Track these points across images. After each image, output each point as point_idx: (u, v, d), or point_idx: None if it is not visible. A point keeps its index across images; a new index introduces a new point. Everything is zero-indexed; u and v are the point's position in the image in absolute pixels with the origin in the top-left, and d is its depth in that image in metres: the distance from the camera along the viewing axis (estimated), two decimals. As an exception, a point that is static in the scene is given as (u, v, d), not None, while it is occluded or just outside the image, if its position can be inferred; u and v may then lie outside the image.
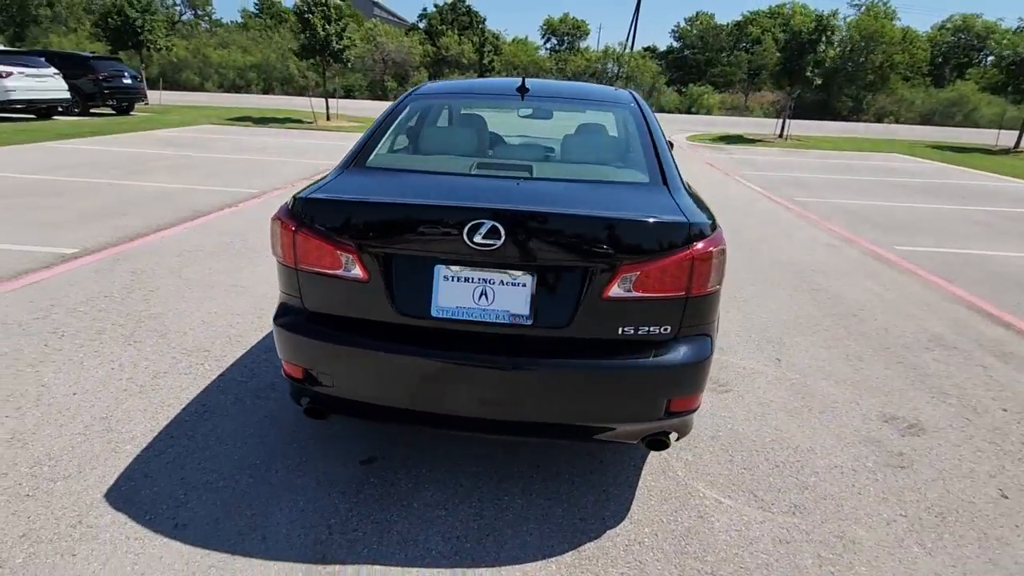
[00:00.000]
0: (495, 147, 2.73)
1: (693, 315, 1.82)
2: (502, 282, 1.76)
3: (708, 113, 41.42)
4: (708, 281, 1.78)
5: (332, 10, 15.99)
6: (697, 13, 56.89)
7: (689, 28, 56.52)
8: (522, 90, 2.65)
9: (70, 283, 3.87)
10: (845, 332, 3.71)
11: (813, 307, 4.13)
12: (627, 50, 52.21)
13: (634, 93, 3.00)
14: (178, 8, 49.28)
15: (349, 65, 17.97)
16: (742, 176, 10.82)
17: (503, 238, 1.69)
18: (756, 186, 9.67)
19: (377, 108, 31.68)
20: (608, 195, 2.02)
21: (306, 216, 1.83)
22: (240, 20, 52.40)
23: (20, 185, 6.83)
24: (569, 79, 47.45)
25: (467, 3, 52.29)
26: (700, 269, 1.76)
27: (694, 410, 1.92)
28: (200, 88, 38.24)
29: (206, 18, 54.12)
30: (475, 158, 2.36)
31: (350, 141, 10.33)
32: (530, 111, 2.94)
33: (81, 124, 13.96)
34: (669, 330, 1.80)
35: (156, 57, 24.27)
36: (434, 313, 1.78)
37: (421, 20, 56.03)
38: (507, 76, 44.68)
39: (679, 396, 1.85)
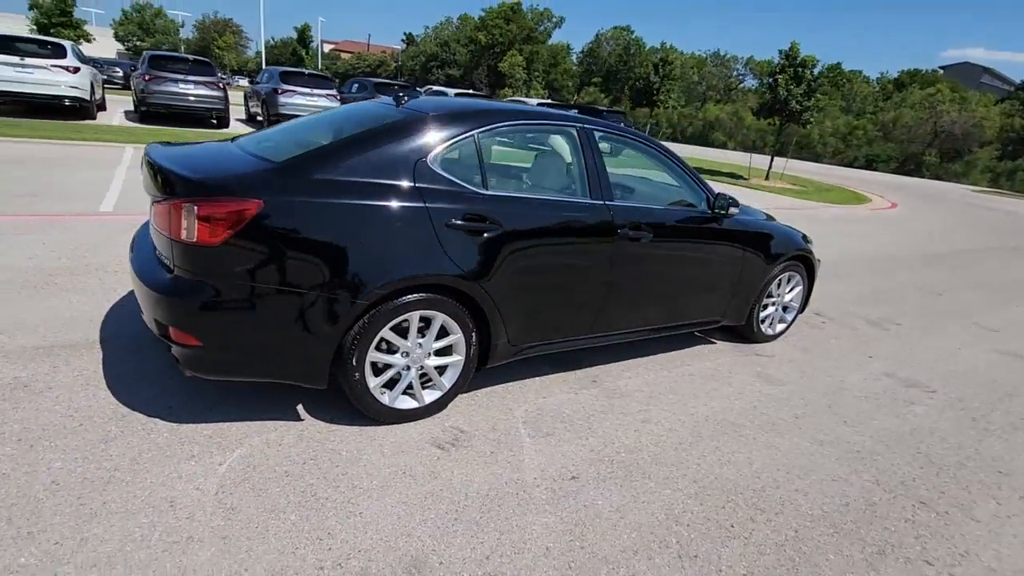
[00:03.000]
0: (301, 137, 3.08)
1: (180, 258, 2.13)
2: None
3: None
4: (182, 230, 2.06)
5: (806, 71, 15.38)
6: None
7: None
8: (398, 100, 3.02)
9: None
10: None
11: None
12: None
13: (507, 110, 2.84)
14: (739, 75, 55.09)
15: (806, 127, 16.79)
16: None
17: (153, 176, 2.47)
18: None
19: (866, 179, 27.16)
20: (236, 160, 2.40)
21: None
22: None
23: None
24: None
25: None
26: (174, 218, 2.08)
27: (185, 347, 2.18)
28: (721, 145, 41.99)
29: (767, 86, 58.14)
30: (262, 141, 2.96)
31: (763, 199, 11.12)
32: None
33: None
34: (169, 263, 2.18)
35: (664, 113, 28.49)
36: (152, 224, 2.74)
37: (1031, 86, 43.87)
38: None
39: (170, 325, 2.19)
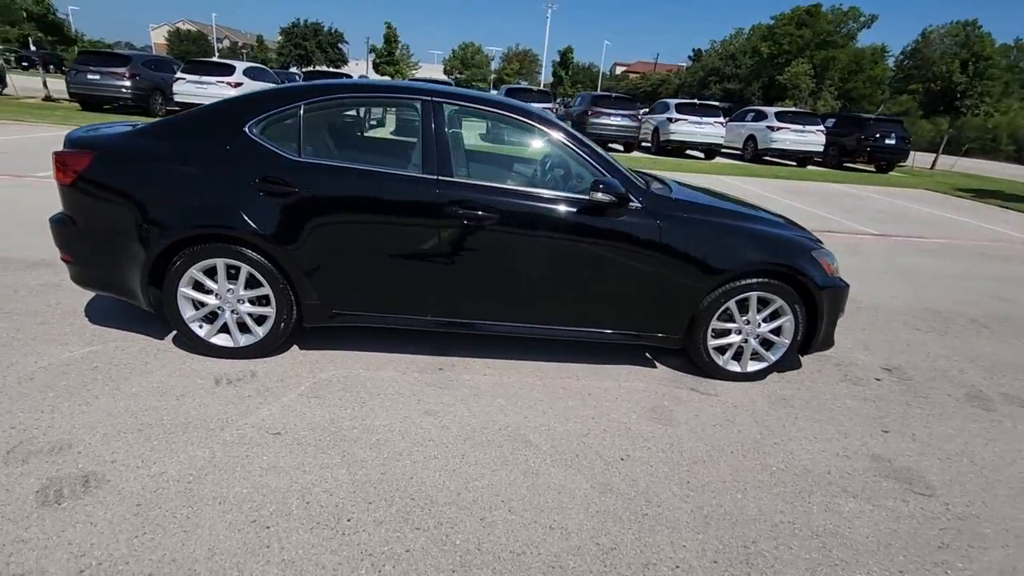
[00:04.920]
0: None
1: (59, 195, 2.89)
2: None
3: None
4: (56, 174, 2.82)
5: None
6: None
7: None
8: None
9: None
10: (364, 543, 1.84)
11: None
12: None
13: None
14: None
15: None
16: None
17: None
18: None
19: None
20: (117, 130, 3.03)
21: None
22: None
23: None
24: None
25: None
26: (53, 164, 2.84)
27: (66, 262, 2.96)
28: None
29: None
30: None
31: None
32: None
33: (825, 174, 15.91)
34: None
35: (1003, 121, 21.50)
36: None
37: None
38: None
39: (57, 246, 2.99)
